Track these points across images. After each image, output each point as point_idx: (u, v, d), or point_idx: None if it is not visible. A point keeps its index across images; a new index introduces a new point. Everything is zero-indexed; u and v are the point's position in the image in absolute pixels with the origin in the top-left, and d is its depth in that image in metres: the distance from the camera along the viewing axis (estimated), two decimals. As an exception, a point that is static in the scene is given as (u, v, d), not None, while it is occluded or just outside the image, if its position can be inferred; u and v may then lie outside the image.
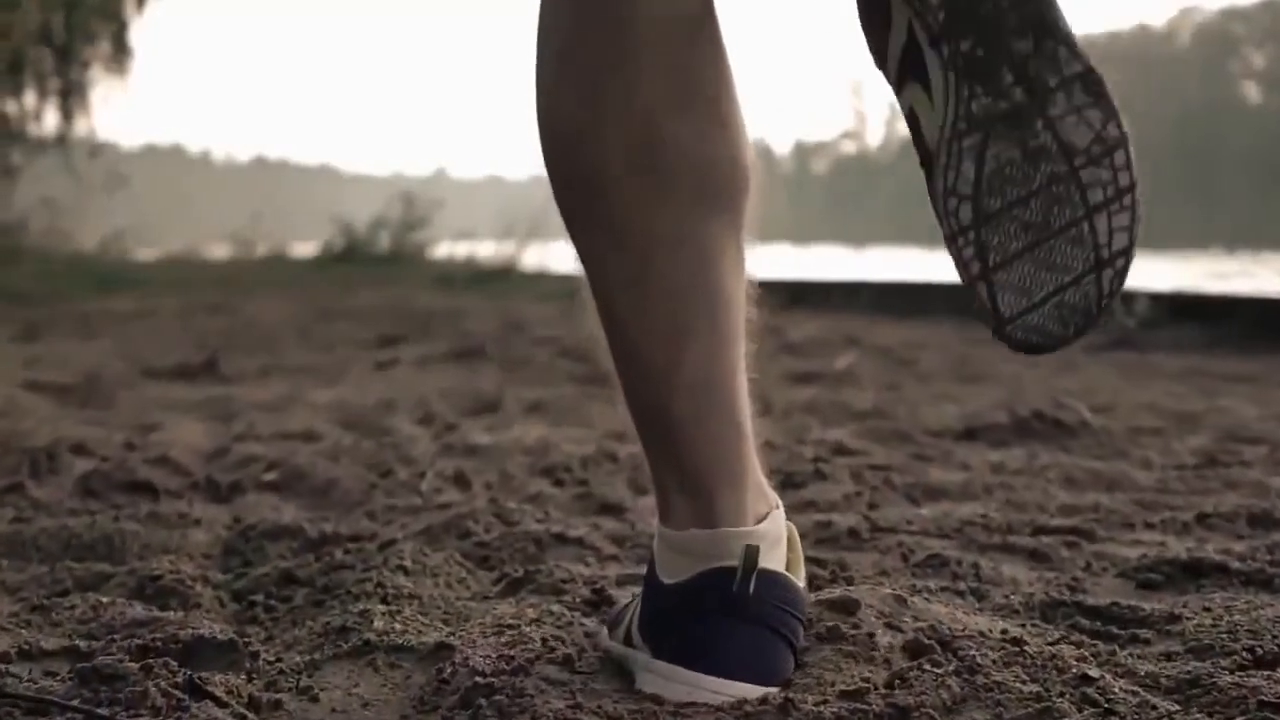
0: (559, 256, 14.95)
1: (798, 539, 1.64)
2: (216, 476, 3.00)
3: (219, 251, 19.26)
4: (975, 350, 6.53)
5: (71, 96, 23.09)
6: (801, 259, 22.56)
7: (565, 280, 11.40)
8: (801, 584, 1.60)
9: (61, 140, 22.49)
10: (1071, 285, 1.43)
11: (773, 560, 1.55)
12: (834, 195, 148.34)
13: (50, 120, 22.87)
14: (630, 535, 2.43)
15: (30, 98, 22.92)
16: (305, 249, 18.41)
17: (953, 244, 1.45)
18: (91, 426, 3.86)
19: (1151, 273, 16.85)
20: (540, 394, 4.74)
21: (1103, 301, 1.43)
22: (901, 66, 1.50)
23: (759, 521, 1.56)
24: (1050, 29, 1.42)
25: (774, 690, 1.50)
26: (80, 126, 23.43)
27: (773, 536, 1.57)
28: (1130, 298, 7.24)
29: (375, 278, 13.96)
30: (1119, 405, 4.34)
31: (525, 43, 1.58)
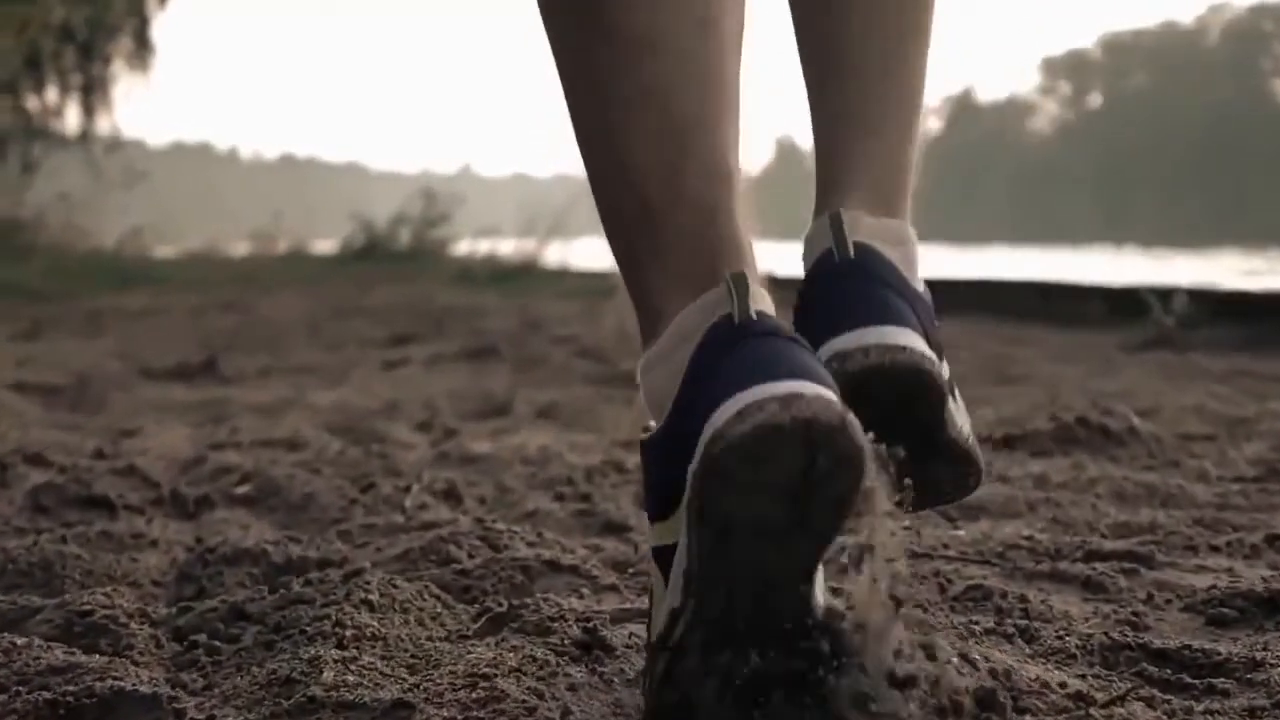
0: (581, 254, 14.78)
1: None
2: (184, 490, 2.73)
3: (240, 248, 19.07)
4: (1010, 349, 6.27)
5: (93, 93, 22.99)
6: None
7: (586, 278, 11.23)
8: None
9: (83, 137, 22.38)
10: None
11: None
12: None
13: (72, 117, 22.80)
14: (633, 560, 2.17)
15: (52, 93, 22.87)
16: (327, 246, 18.22)
17: None
18: (67, 432, 3.62)
19: (1183, 270, 16.60)
20: (553, 396, 4.49)
21: None
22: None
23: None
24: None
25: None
26: (102, 123, 23.33)
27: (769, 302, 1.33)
28: (1168, 295, 6.97)
29: (394, 275, 13.73)
30: (1164, 409, 4.06)
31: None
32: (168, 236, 21.53)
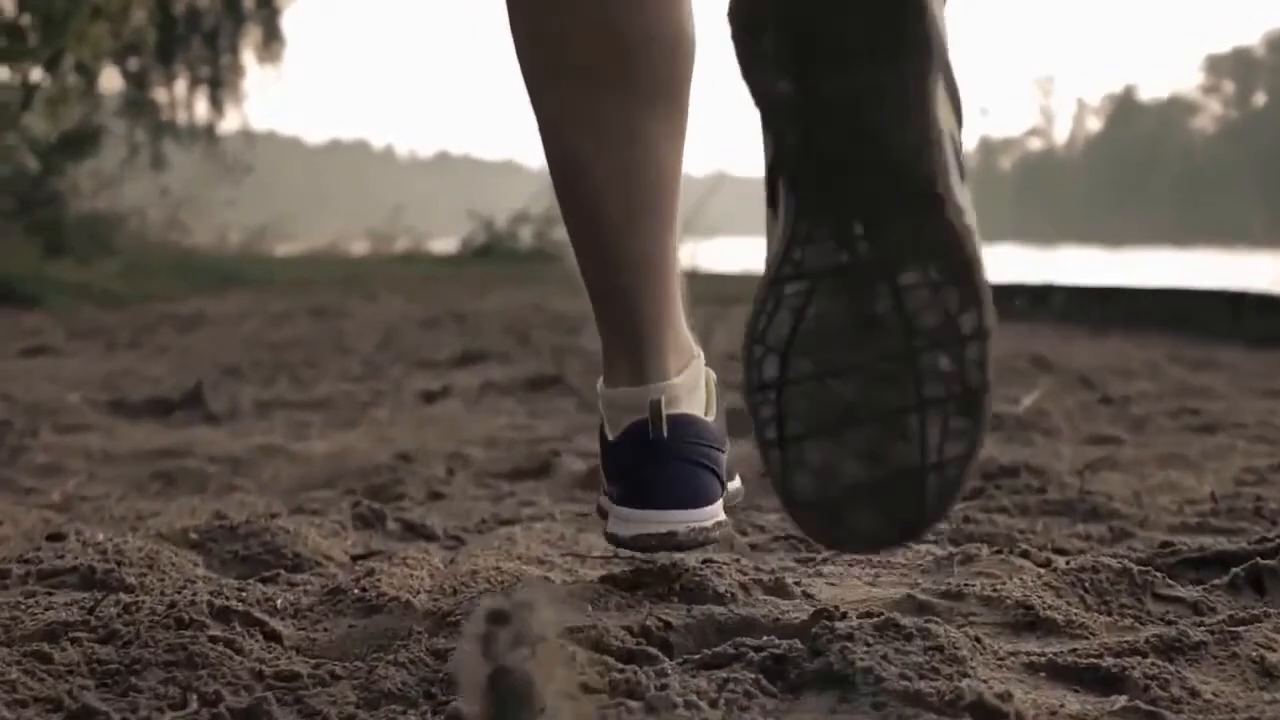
0: (715, 255, 13.80)
1: (714, 380, 1.83)
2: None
3: (359, 247, 18.32)
4: (1199, 378, 5.10)
5: (221, 85, 22.39)
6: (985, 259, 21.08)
7: (713, 281, 10.14)
8: (712, 418, 1.78)
9: (210, 131, 21.80)
10: (886, 485, 1.24)
11: (692, 404, 1.76)
12: (1020, 193, 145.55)
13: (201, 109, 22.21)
14: None
15: (181, 86, 22.28)
16: (449, 244, 17.43)
17: (750, 397, 1.30)
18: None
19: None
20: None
21: (924, 514, 1.25)
22: (769, 181, 1.34)
23: (680, 373, 1.76)
24: (918, 175, 1.22)
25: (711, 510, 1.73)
26: (231, 117, 22.77)
27: (689, 384, 1.77)
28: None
29: (513, 276, 12.83)
30: None
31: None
32: (294, 234, 20.94)
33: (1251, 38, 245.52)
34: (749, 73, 1.27)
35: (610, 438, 1.78)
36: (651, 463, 1.71)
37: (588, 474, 3.16)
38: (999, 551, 1.94)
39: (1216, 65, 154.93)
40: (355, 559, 2.04)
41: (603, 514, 1.83)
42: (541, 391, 4.60)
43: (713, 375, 1.83)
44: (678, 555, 1.76)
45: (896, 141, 1.23)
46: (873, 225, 1.23)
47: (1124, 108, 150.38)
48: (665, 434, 1.71)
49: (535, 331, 7.03)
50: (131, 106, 20.35)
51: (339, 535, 2.19)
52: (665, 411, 1.72)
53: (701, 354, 1.82)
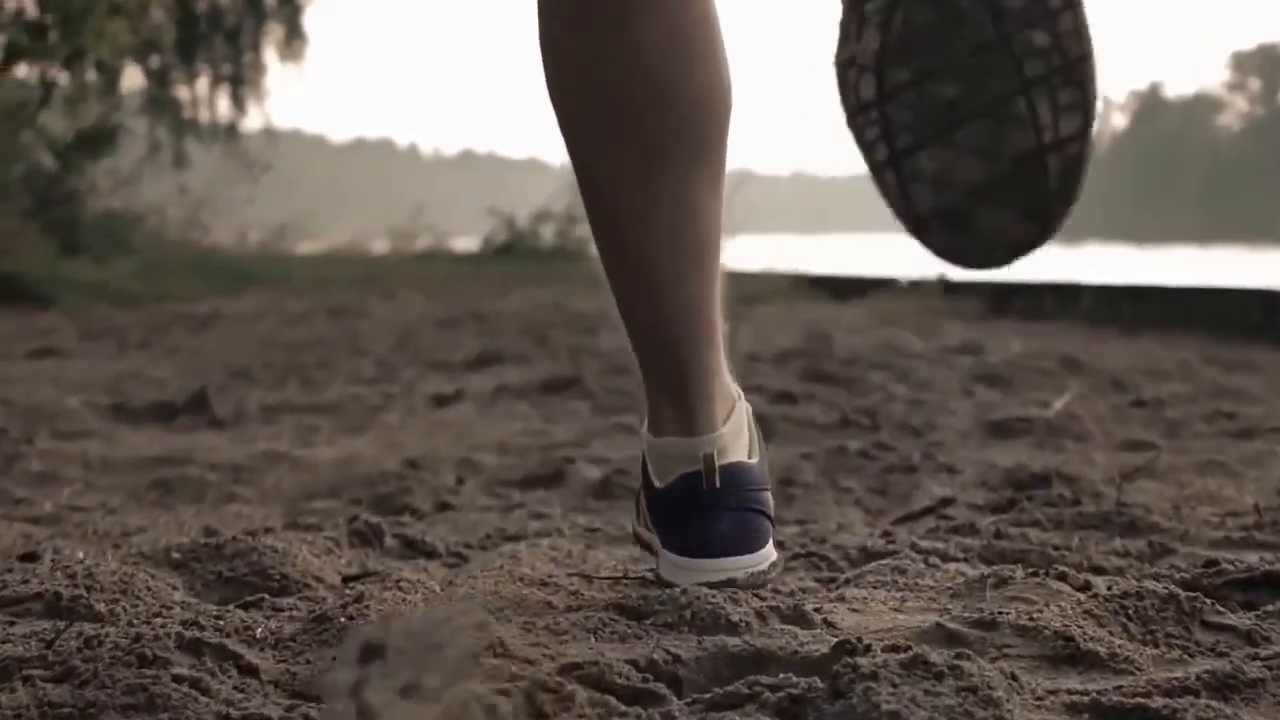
0: (747, 253, 13.64)
1: (753, 422, 1.83)
2: None
3: (380, 246, 18.19)
4: (1233, 379, 4.96)
5: (243, 83, 22.29)
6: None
7: (741, 280, 10.00)
8: (756, 459, 1.79)
9: (232, 129, 21.69)
10: (1007, 177, 1.22)
11: (737, 450, 1.77)
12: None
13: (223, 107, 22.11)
14: None
15: (202, 84, 22.17)
16: (470, 243, 17.30)
17: (853, 123, 1.26)
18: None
19: None
20: (632, 451, 3.35)
21: (1051, 200, 1.22)
22: None
23: (726, 420, 1.76)
24: None
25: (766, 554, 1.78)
26: (254, 115, 22.70)
27: (735, 431, 1.77)
28: None
29: (534, 275, 12.70)
30: None
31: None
32: (315, 233, 20.86)
33: (1278, 34, 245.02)
34: None
35: (658, 485, 1.78)
36: (705, 513, 1.74)
37: (601, 482, 3.05)
38: (1035, 573, 1.80)
39: (1242, 62, 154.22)
40: (347, 581, 1.91)
41: (644, 545, 1.88)
42: (557, 394, 4.47)
43: (749, 409, 1.84)
44: None
45: None
46: None
47: (1150, 105, 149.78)
48: (718, 484, 1.73)
49: (554, 332, 6.90)
50: (153, 105, 20.26)
51: (333, 553, 2.06)
52: (718, 463, 1.73)
53: (742, 395, 1.82)
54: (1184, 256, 25.76)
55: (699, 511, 1.74)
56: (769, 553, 1.79)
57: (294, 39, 22.92)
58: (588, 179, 1.71)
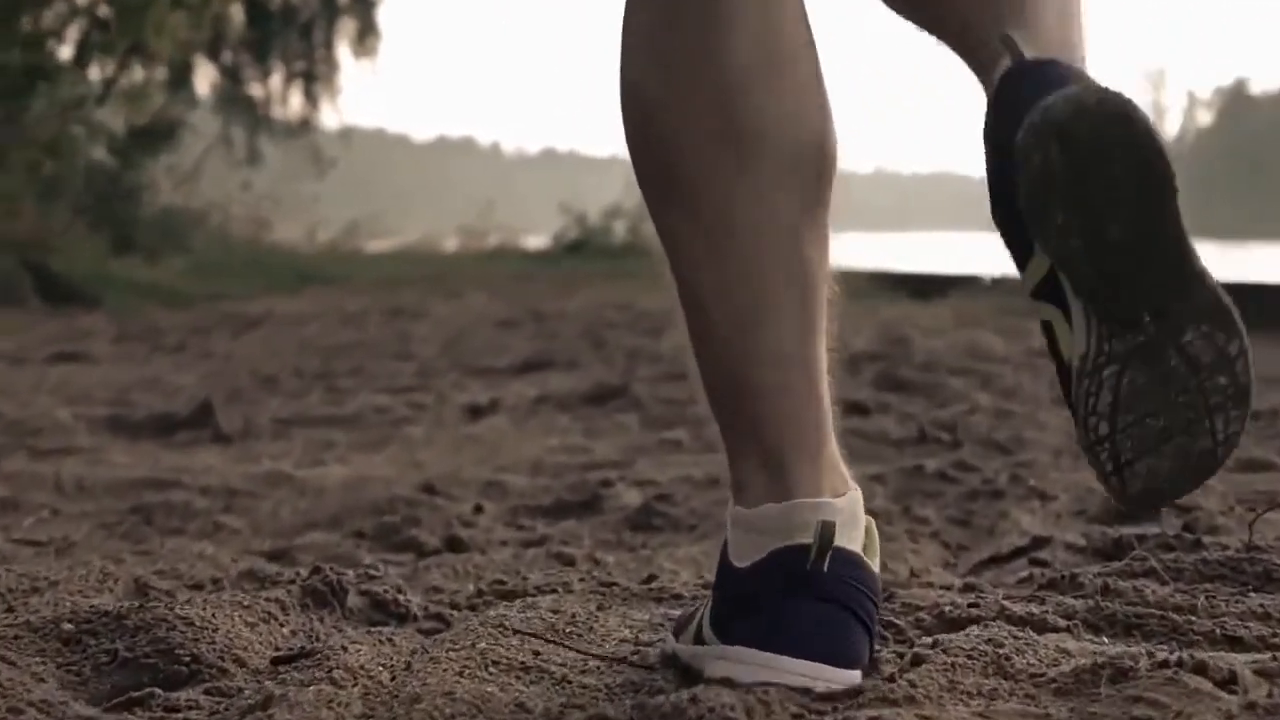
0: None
1: (875, 529, 1.56)
2: None
3: (450, 244, 17.89)
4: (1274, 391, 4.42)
5: (317, 80, 22.07)
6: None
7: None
8: (876, 568, 1.53)
9: (305, 125, 21.47)
10: (1194, 466, 1.42)
11: (849, 540, 1.49)
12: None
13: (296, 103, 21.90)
14: None
15: (276, 80, 21.96)
16: (542, 241, 16.97)
17: (1089, 449, 1.41)
18: None
19: None
20: (680, 471, 2.97)
21: (1216, 468, 1.44)
22: (1039, 288, 1.45)
23: (836, 497, 1.50)
24: (1183, 272, 1.40)
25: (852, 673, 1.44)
26: (327, 112, 22.50)
27: (849, 514, 1.50)
28: None
29: (605, 273, 12.33)
30: None
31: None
32: (387, 231, 20.64)
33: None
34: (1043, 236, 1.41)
35: (738, 565, 1.51)
36: (802, 598, 1.46)
37: (640, 509, 2.67)
38: (1162, 665, 1.37)
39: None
40: (277, 663, 1.50)
41: (690, 635, 1.58)
42: (602, 405, 4.07)
43: (872, 522, 1.57)
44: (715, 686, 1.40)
45: (1171, 253, 1.40)
46: (1158, 312, 1.41)
47: (1235, 101, 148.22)
48: (826, 567, 1.46)
49: (613, 333, 6.52)
50: (226, 101, 20.09)
51: (273, 621, 1.64)
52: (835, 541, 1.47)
53: (859, 489, 1.55)
54: (1272, 253, 25.05)
55: (793, 597, 1.45)
56: (858, 678, 1.45)
57: (367, 35, 22.68)
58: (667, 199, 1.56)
